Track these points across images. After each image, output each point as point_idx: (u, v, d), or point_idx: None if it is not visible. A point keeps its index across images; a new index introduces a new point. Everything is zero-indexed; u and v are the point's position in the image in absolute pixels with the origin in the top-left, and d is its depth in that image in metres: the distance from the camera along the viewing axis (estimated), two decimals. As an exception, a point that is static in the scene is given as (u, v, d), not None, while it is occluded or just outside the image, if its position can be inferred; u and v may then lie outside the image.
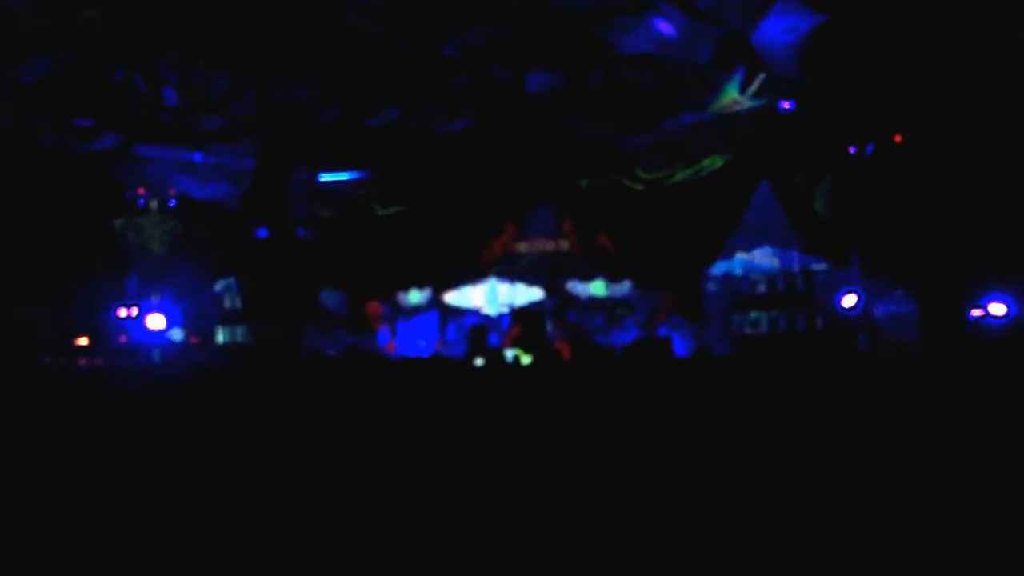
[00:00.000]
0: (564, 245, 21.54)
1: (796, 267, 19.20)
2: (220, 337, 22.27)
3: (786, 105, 18.27)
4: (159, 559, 4.90)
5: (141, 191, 21.04)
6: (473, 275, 21.27)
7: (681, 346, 19.22)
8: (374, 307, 22.02)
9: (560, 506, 5.60)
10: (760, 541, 4.84)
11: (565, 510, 5.51)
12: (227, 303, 22.28)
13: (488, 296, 20.97)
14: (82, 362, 18.75)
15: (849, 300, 18.26)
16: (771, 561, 4.58)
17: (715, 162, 19.69)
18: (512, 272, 21.17)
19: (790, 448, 7.15)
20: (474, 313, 21.04)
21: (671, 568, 4.62)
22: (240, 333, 21.84)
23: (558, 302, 20.52)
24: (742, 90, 18.15)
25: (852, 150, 18.75)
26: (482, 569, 4.69)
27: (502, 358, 18.73)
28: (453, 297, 21.36)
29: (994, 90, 16.63)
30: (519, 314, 20.66)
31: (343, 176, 21.06)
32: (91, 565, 4.85)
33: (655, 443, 7.55)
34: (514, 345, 19.57)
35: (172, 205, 21.37)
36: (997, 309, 17.28)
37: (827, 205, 19.00)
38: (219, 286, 22.34)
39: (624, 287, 20.35)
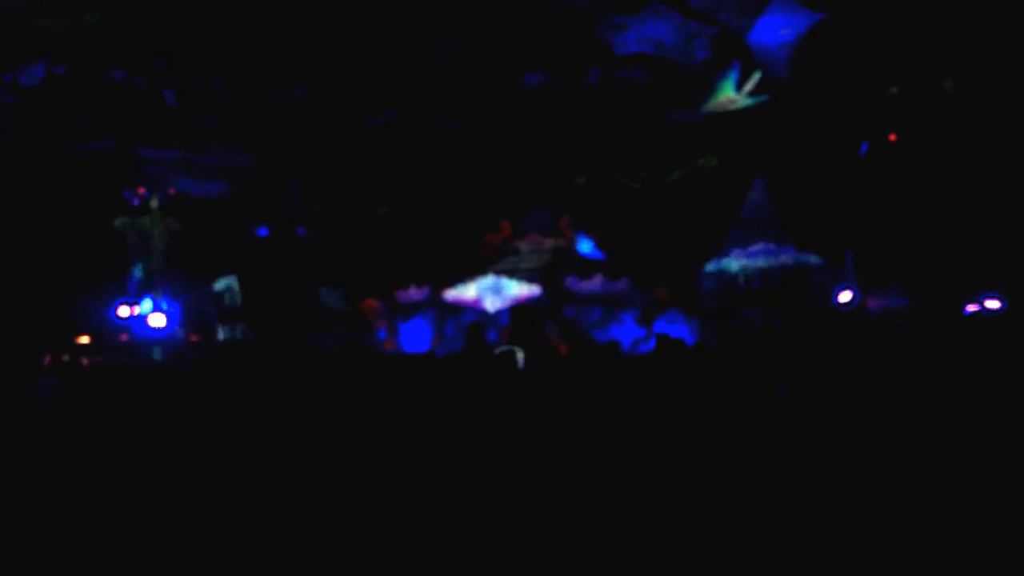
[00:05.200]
0: (561, 242, 21.63)
1: (791, 263, 19.25)
2: (220, 335, 22.34)
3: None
4: (163, 552, 5.00)
5: (141, 190, 21.14)
6: (471, 272, 21.34)
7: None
8: (372, 304, 22.11)
9: (556, 497, 5.70)
10: (760, 529, 4.92)
11: (561, 501, 5.61)
12: (227, 301, 22.35)
13: (486, 293, 21.02)
14: (83, 361, 18.84)
15: (844, 296, 18.35)
16: (771, 550, 4.67)
17: (710, 160, 19.84)
18: (510, 269, 21.24)
19: (787, 441, 7.23)
20: (472, 310, 21.08)
21: (671, 561, 4.71)
22: (240, 331, 21.91)
23: (555, 298, 20.58)
24: (738, 88, 18.30)
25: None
26: (481, 562, 4.78)
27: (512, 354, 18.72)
28: (451, 294, 21.40)
29: (988, 89, 16.77)
30: (517, 311, 20.72)
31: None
32: (95, 559, 4.94)
33: (652, 438, 7.62)
34: (512, 342, 19.63)
35: (172, 204, 21.46)
36: (992, 304, 17.38)
37: (822, 202, 19.14)
38: (219, 284, 22.42)
39: (621, 284, 20.43)
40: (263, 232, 20.47)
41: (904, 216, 18.24)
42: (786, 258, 19.32)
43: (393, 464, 6.94)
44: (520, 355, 18.31)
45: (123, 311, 20.25)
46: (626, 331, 19.97)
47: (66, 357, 17.54)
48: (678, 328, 19.69)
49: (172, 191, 21.38)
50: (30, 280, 18.83)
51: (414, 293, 21.90)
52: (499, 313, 20.92)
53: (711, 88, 18.44)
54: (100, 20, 14.65)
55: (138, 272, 21.35)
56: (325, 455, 7.33)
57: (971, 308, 17.69)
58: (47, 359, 17.91)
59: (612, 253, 21.07)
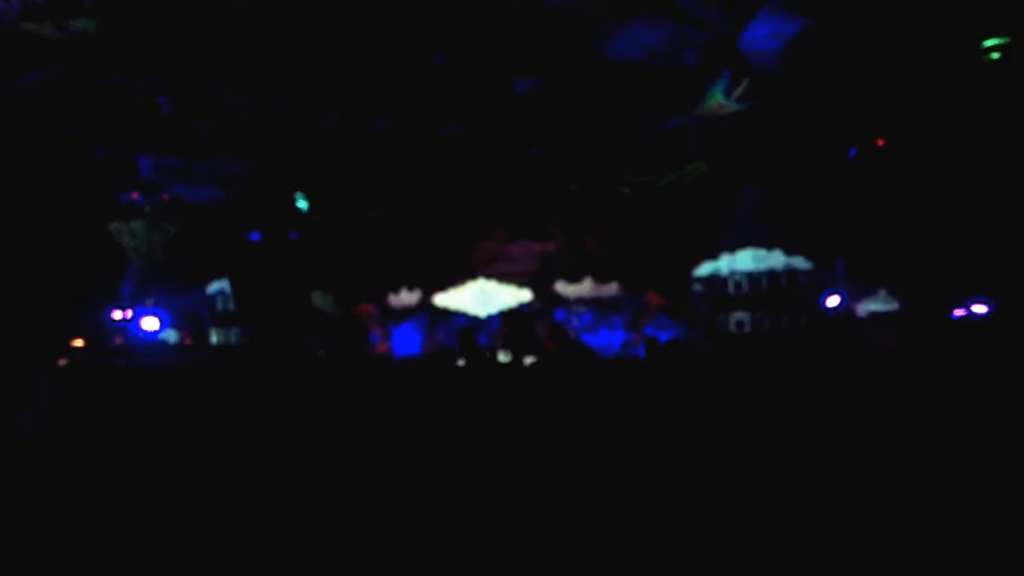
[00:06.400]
0: (552, 247, 21.73)
1: (780, 268, 19.39)
2: (213, 338, 22.43)
3: None
4: (157, 554, 5.05)
5: (136, 195, 21.22)
6: (463, 277, 21.42)
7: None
8: (366, 309, 22.19)
9: (549, 498, 5.77)
10: (751, 533, 4.98)
11: (554, 502, 5.67)
12: (220, 305, 22.46)
13: (477, 297, 21.10)
14: (78, 363, 18.90)
15: (833, 300, 18.50)
16: (763, 553, 4.73)
17: (701, 166, 19.99)
18: (501, 273, 21.32)
19: (778, 444, 7.27)
20: (463, 314, 21.16)
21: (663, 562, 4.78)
22: (233, 334, 22.01)
23: (546, 302, 20.69)
24: (727, 94, 18.40)
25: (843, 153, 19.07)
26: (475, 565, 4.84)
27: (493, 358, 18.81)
28: (443, 299, 21.48)
29: (975, 95, 16.91)
30: (508, 315, 20.81)
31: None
32: (92, 559, 5.01)
33: (643, 441, 7.66)
34: (503, 346, 19.71)
35: (166, 209, 21.55)
36: (979, 308, 17.55)
37: (811, 207, 19.27)
38: (212, 288, 22.52)
39: (611, 288, 20.55)
40: (256, 237, 20.55)
41: (893, 221, 18.37)
42: (775, 262, 19.46)
43: (386, 466, 6.99)
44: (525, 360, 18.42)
45: (117, 314, 20.34)
46: (616, 335, 20.09)
47: (62, 361, 17.61)
48: (668, 332, 19.82)
49: (167, 196, 21.47)
50: (25, 283, 18.88)
51: (406, 298, 22.00)
52: (490, 317, 21.00)
53: (701, 94, 18.55)
54: (93, 27, 14.71)
55: (132, 276, 21.43)
56: (318, 457, 7.38)
57: (959, 312, 17.87)
58: (41, 362, 17.96)
59: (603, 257, 21.17)
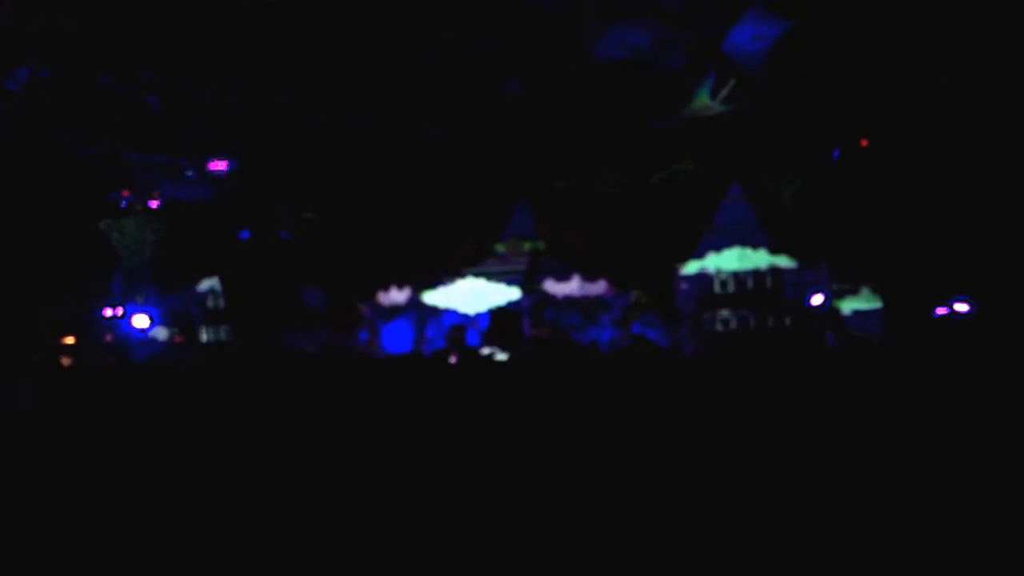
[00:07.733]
0: (541, 245, 21.82)
1: (765, 267, 19.57)
2: (204, 336, 22.49)
3: None
4: (146, 551, 5.13)
5: (126, 193, 21.24)
6: (451, 275, 21.49)
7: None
8: (357, 307, 22.24)
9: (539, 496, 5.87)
10: (739, 529, 5.11)
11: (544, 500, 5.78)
12: (210, 303, 22.51)
13: (467, 295, 21.18)
14: (68, 360, 18.94)
15: (817, 298, 18.68)
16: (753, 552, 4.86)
17: (688, 165, 20.15)
18: (489, 272, 21.39)
19: (764, 442, 7.35)
20: (453, 312, 21.24)
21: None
22: (224, 332, 22.07)
23: (535, 301, 20.79)
24: (713, 95, 18.56)
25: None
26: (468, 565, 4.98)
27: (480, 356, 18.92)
28: (432, 296, 21.56)
29: (959, 95, 17.10)
30: (497, 313, 20.90)
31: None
32: (82, 560, 5.12)
33: (632, 440, 7.73)
34: (492, 343, 19.82)
35: (156, 207, 21.59)
36: (961, 307, 17.74)
37: (796, 206, 19.47)
38: (202, 286, 22.56)
39: (599, 286, 20.66)
40: (245, 235, 20.62)
41: (877, 220, 18.55)
42: (760, 261, 19.64)
43: (378, 463, 7.06)
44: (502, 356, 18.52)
45: (108, 312, 20.38)
46: (604, 332, 20.21)
47: (52, 357, 17.66)
48: (655, 330, 19.97)
49: (157, 194, 21.51)
50: (16, 281, 18.92)
51: (395, 295, 22.05)
52: (479, 315, 21.09)
53: (688, 95, 18.70)
54: (79, 24, 14.73)
55: (122, 274, 21.48)
56: (309, 454, 7.45)
57: (941, 311, 18.08)
58: (33, 359, 18.00)
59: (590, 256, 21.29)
